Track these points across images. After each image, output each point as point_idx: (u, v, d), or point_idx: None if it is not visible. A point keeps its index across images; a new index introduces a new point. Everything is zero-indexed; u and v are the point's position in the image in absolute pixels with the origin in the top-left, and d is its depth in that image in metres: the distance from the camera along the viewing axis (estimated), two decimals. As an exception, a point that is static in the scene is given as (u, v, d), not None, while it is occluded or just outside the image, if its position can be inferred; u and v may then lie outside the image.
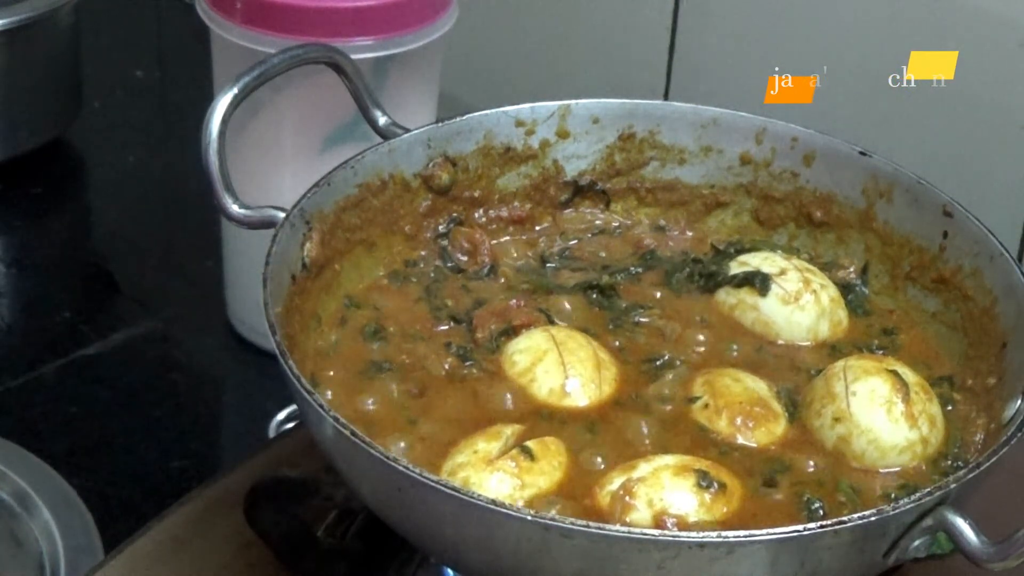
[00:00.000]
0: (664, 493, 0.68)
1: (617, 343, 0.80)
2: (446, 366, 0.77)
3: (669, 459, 0.70)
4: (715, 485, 0.68)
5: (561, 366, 0.76)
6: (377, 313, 0.82)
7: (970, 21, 1.04)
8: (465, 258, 0.86)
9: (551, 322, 0.80)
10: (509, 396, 0.75)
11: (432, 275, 0.85)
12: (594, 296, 0.83)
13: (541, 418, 0.74)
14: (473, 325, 0.80)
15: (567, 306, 0.82)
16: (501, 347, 0.79)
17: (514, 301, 0.82)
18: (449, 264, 0.86)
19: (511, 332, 0.79)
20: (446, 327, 0.81)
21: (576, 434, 0.73)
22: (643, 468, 0.69)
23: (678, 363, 0.78)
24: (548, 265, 0.87)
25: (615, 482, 0.69)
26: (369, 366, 0.77)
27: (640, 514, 0.67)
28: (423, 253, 0.86)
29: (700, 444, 0.73)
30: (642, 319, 0.82)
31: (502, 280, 0.85)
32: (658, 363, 0.78)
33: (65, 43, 1.35)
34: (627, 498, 0.68)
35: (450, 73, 1.08)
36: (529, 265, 0.87)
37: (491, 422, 0.73)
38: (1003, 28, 1.03)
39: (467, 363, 0.78)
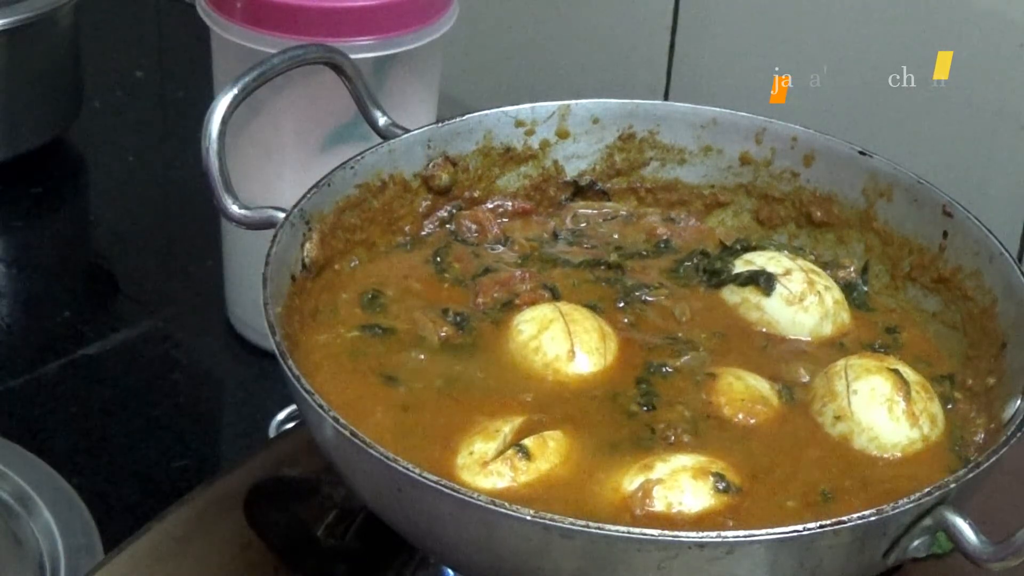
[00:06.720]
0: (683, 496, 0.67)
1: (626, 320, 0.80)
2: (442, 334, 0.77)
3: (686, 459, 0.70)
4: (732, 488, 0.68)
5: (567, 335, 0.76)
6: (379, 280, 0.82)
7: (970, 21, 1.04)
8: (475, 236, 0.86)
9: (556, 299, 0.80)
10: (510, 371, 0.76)
11: (443, 243, 0.85)
12: (602, 271, 0.84)
13: (545, 393, 0.74)
14: (476, 290, 0.80)
15: (573, 282, 0.82)
16: (503, 320, 0.79)
17: (519, 272, 0.82)
18: (459, 239, 0.86)
19: (513, 307, 0.79)
20: (447, 285, 0.81)
21: (581, 421, 0.73)
22: (660, 469, 0.69)
23: (692, 342, 0.79)
24: (560, 241, 0.87)
25: (634, 482, 0.68)
26: (366, 336, 0.77)
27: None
28: (431, 227, 0.86)
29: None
30: (649, 298, 0.82)
31: (516, 249, 0.85)
32: (674, 343, 0.79)
33: (65, 43, 1.35)
34: (645, 500, 0.67)
35: (450, 73, 1.08)
36: (541, 238, 0.87)
37: (495, 399, 0.73)
38: (1003, 28, 1.03)
39: (461, 331, 0.78)
